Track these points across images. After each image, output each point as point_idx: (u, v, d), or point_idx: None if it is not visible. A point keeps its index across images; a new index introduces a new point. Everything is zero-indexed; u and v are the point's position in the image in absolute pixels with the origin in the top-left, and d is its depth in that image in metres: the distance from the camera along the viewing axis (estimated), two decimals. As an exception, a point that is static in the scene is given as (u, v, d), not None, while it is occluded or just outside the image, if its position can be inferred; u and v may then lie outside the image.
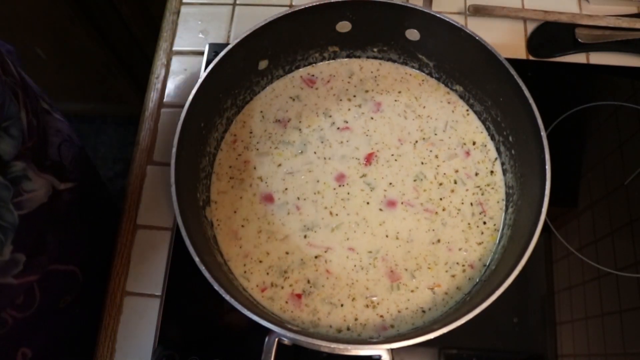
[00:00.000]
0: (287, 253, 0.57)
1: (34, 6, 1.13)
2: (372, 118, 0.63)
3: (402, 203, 0.59)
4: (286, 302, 0.55)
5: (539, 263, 0.60)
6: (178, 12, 0.76)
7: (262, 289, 0.55)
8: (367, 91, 0.65)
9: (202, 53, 0.70)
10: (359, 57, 0.66)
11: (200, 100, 0.54)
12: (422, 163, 0.61)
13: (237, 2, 0.76)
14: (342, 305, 0.55)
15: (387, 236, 0.58)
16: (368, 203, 0.59)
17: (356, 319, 0.54)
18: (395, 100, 0.64)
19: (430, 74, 0.65)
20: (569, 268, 0.59)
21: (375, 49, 0.65)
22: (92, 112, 1.68)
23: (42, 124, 0.57)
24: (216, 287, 0.45)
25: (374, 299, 0.55)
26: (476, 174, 0.60)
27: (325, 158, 0.61)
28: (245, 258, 0.57)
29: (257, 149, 0.62)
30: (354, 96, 0.64)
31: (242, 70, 0.60)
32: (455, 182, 0.60)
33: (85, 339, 0.62)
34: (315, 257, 0.57)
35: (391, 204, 0.59)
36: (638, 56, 0.70)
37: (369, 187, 0.60)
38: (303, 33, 0.61)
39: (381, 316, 0.54)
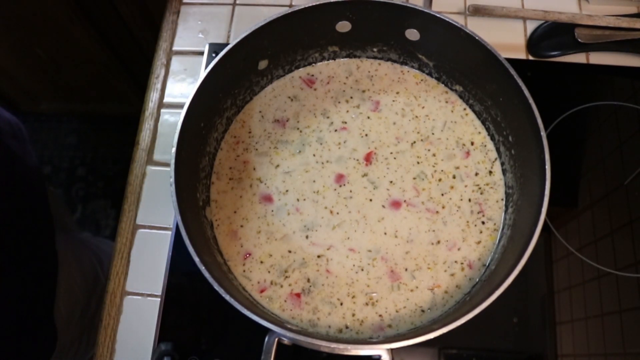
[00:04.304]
0: (289, 252, 0.57)
1: (34, 6, 1.13)
2: (368, 117, 0.63)
3: (404, 202, 0.59)
4: (285, 301, 0.55)
5: (539, 263, 0.60)
6: (178, 12, 0.76)
7: (262, 289, 0.55)
8: (363, 91, 0.65)
9: (202, 53, 0.70)
10: (358, 57, 0.66)
11: (200, 100, 0.54)
12: (419, 162, 0.61)
13: (237, 2, 0.76)
14: (341, 304, 0.55)
15: (385, 234, 0.58)
16: (371, 200, 0.59)
17: (354, 315, 0.54)
18: (394, 100, 0.64)
19: (430, 74, 0.65)
20: (568, 268, 0.59)
21: (375, 49, 0.65)
22: (92, 112, 1.68)
23: None
24: (216, 287, 0.45)
25: (374, 295, 0.55)
26: (476, 174, 0.60)
27: (323, 162, 0.61)
28: (245, 258, 0.57)
29: (257, 149, 0.62)
30: (351, 97, 0.64)
31: (242, 70, 0.60)
32: (454, 177, 0.60)
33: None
34: (318, 256, 0.57)
35: (395, 204, 0.59)
36: (638, 56, 0.70)
37: (373, 185, 0.60)
38: (303, 33, 0.61)
39: (380, 315, 0.54)
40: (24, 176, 0.70)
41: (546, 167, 0.49)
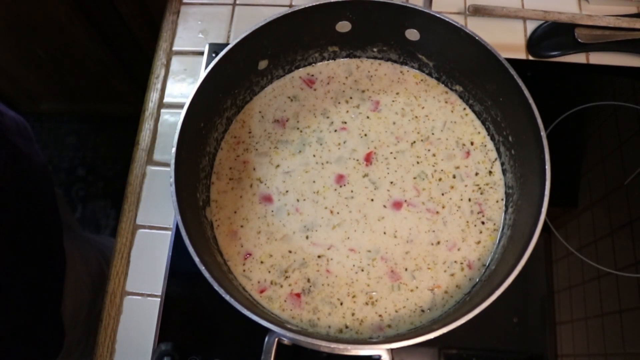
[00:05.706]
0: (289, 252, 0.57)
1: (34, 6, 1.13)
2: (368, 117, 0.63)
3: (405, 202, 0.59)
4: (285, 301, 0.55)
5: (539, 263, 0.60)
6: (178, 12, 0.76)
7: (262, 290, 0.55)
8: (363, 91, 0.65)
9: (202, 53, 0.70)
10: (358, 57, 0.66)
11: (200, 100, 0.54)
12: (419, 162, 0.61)
13: (237, 2, 0.76)
14: (341, 304, 0.55)
15: (385, 233, 0.58)
16: (372, 200, 0.59)
17: (353, 315, 0.54)
18: (393, 100, 0.64)
19: (429, 74, 0.65)
20: (568, 268, 0.59)
21: (375, 49, 0.65)
22: (92, 112, 1.68)
23: None
24: (216, 287, 0.45)
25: (374, 294, 0.55)
26: (476, 174, 0.60)
27: (323, 163, 0.61)
28: (246, 258, 0.57)
29: (257, 149, 0.62)
30: (351, 97, 0.64)
31: (242, 70, 0.60)
32: (455, 177, 0.60)
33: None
34: (318, 256, 0.57)
35: (396, 204, 0.59)
36: (638, 56, 0.70)
37: (374, 185, 0.60)
38: (303, 33, 0.61)
39: (380, 315, 0.54)
40: (32, 173, 0.70)
41: (546, 167, 0.49)
